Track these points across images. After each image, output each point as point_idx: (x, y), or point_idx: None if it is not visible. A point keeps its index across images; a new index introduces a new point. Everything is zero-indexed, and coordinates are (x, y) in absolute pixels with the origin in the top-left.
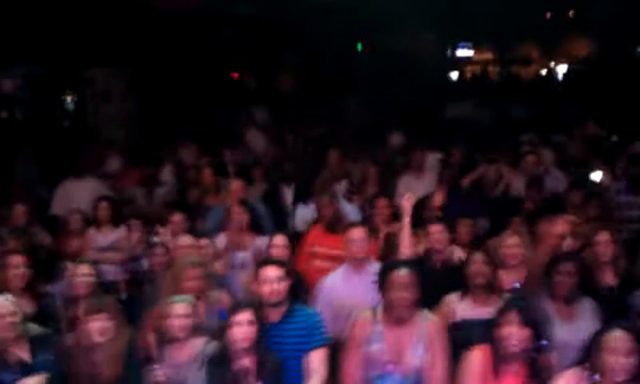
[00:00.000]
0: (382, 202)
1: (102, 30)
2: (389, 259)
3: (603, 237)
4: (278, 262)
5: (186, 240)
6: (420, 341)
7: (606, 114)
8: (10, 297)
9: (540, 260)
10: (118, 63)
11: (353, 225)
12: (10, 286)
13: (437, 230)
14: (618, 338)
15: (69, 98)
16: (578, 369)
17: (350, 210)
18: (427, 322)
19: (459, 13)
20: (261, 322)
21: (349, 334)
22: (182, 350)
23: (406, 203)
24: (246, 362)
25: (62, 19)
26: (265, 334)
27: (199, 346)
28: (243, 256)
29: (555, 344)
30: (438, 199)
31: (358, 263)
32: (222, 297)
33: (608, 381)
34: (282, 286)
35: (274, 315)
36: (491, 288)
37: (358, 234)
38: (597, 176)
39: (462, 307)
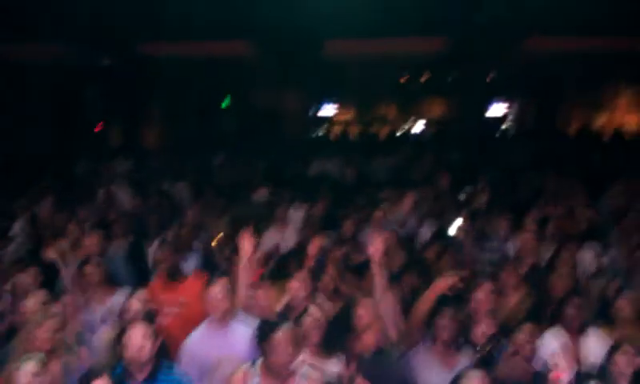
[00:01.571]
0: None
1: None
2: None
3: (482, 290)
4: (144, 318)
5: (36, 298)
6: None
7: (458, 168)
8: None
9: (421, 311)
10: None
11: (213, 280)
12: None
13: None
14: (473, 379)
15: None
16: None
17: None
18: (305, 378)
19: (324, 73)
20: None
21: None
22: None
23: (246, 242)
24: None
25: None
26: None
27: None
28: (101, 312)
29: None
30: (314, 247)
31: (221, 319)
32: (80, 354)
33: None
34: (147, 345)
35: (139, 375)
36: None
37: (217, 289)
38: (453, 228)
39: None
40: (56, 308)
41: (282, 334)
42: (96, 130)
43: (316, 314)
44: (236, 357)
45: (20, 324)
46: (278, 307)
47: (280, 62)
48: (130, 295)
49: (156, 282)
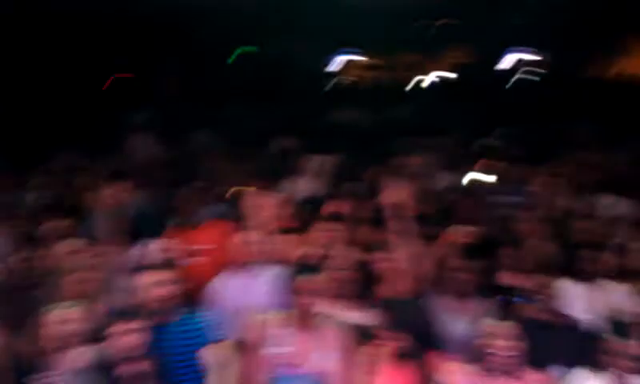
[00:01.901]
0: None
1: None
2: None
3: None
4: (164, 266)
5: (70, 245)
6: (326, 345)
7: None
8: None
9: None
10: None
11: (234, 228)
12: None
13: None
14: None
15: None
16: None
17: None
18: (333, 327)
19: (345, 22)
20: (146, 329)
21: (250, 336)
22: (67, 357)
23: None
24: (131, 368)
25: None
26: (151, 339)
27: (86, 353)
28: (125, 260)
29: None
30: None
31: (243, 265)
32: (107, 302)
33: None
34: (169, 290)
35: (162, 318)
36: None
37: (239, 237)
38: (468, 179)
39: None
40: (86, 256)
41: (305, 282)
42: (114, 79)
43: (339, 263)
44: (258, 303)
45: (50, 270)
46: (298, 255)
47: (295, 9)
48: (151, 244)
49: (176, 229)
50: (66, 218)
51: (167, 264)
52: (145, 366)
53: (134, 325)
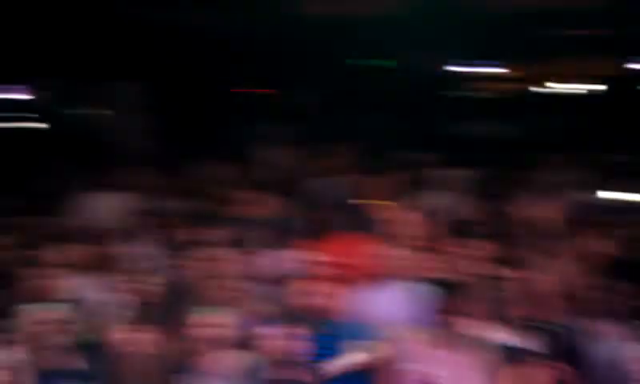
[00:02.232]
0: None
1: (127, 45)
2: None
3: None
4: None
5: (216, 252)
6: (471, 366)
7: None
8: (67, 304)
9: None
10: (143, 77)
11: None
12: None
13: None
14: None
15: (97, 111)
16: None
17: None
18: (480, 348)
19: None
20: (304, 335)
21: (391, 351)
22: (218, 360)
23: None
24: (287, 374)
25: (88, 34)
26: (308, 346)
27: (236, 357)
28: (267, 269)
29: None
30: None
31: (380, 279)
32: (261, 308)
33: None
34: (320, 299)
35: (319, 328)
36: None
37: (378, 249)
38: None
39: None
40: (232, 263)
41: (454, 303)
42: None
43: (484, 282)
44: (397, 318)
45: (203, 274)
46: (441, 272)
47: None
48: (290, 253)
49: (314, 240)
50: (216, 227)
51: (317, 274)
52: (299, 374)
53: (290, 331)
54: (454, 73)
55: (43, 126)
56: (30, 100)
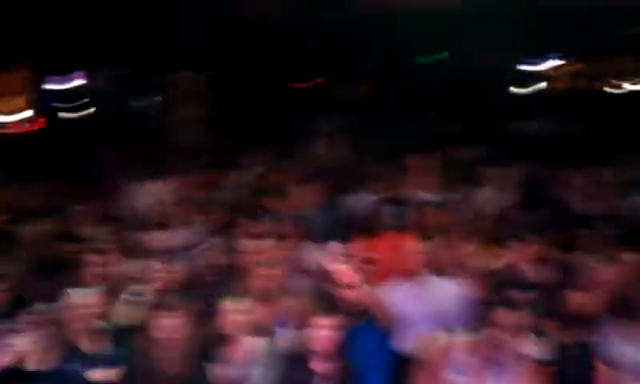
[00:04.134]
0: None
1: (182, 35)
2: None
3: None
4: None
5: (265, 243)
6: (505, 374)
7: None
8: (93, 290)
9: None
10: (198, 67)
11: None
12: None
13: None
14: None
15: (151, 100)
16: None
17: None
18: (526, 363)
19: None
20: (343, 328)
21: (433, 355)
22: (241, 347)
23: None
24: (324, 365)
25: (145, 23)
26: (346, 339)
27: (260, 345)
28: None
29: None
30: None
31: (424, 275)
32: (290, 302)
33: None
34: (360, 294)
35: (356, 321)
36: None
37: (420, 246)
38: None
39: None
40: (273, 253)
41: (505, 315)
42: (307, 85)
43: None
44: (439, 314)
45: (245, 265)
46: (490, 271)
47: (490, 11)
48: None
49: (359, 236)
50: (253, 218)
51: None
52: (338, 364)
53: (334, 321)
54: (520, 69)
55: (101, 114)
56: (89, 89)
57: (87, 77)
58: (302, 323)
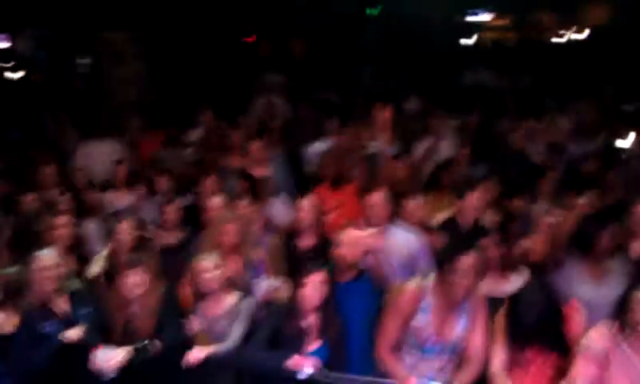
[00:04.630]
0: None
1: None
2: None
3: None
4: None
5: (221, 200)
6: (464, 313)
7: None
8: (54, 251)
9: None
10: (131, 27)
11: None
12: (57, 244)
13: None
14: None
15: (83, 60)
16: (609, 325)
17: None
18: (481, 301)
19: None
20: (332, 283)
21: (396, 300)
22: (215, 303)
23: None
24: (312, 319)
25: None
26: (334, 294)
27: (233, 299)
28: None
29: (584, 304)
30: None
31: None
32: (257, 254)
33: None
34: (358, 249)
35: (345, 276)
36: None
37: (376, 196)
38: (626, 142)
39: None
40: (237, 210)
41: (468, 259)
42: (248, 41)
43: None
44: (404, 262)
45: (207, 222)
46: (438, 219)
47: None
48: (301, 201)
49: (322, 187)
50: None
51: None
52: (323, 319)
53: (323, 277)
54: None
55: (26, 75)
56: (14, 49)
57: (11, 39)
58: (275, 273)
